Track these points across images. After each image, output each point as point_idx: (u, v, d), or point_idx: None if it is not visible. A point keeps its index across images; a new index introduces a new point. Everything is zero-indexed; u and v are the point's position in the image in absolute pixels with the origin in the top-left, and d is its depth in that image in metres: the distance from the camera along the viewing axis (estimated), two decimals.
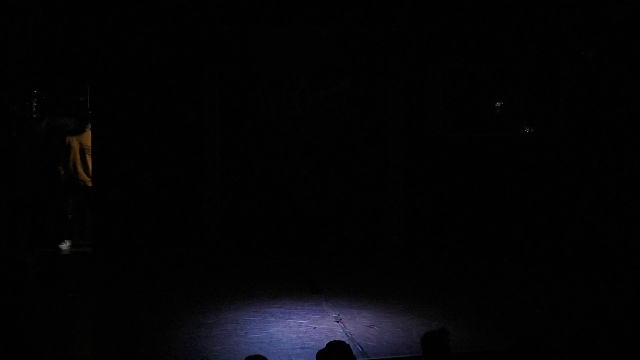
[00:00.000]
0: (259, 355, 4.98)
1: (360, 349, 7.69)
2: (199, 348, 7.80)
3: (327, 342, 5.18)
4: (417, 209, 11.98)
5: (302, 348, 7.77)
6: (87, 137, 12.02)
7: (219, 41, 11.71)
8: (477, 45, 11.80)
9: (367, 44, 11.75)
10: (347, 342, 5.26)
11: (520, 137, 11.97)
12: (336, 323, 8.64)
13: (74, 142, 12.12)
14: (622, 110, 11.42)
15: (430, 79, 11.84)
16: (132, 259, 11.34)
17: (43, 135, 12.20)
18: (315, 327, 8.47)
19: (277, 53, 11.89)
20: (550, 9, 11.04)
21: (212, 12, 11.00)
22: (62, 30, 10.97)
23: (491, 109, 11.96)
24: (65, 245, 12.28)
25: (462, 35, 11.70)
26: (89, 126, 11.97)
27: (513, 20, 11.24)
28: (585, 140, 11.84)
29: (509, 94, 11.94)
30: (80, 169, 12.09)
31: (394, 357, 7.55)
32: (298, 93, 11.92)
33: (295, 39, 11.76)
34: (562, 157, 11.90)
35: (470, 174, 11.97)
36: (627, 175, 11.26)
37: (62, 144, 12.17)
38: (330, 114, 11.95)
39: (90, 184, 11.93)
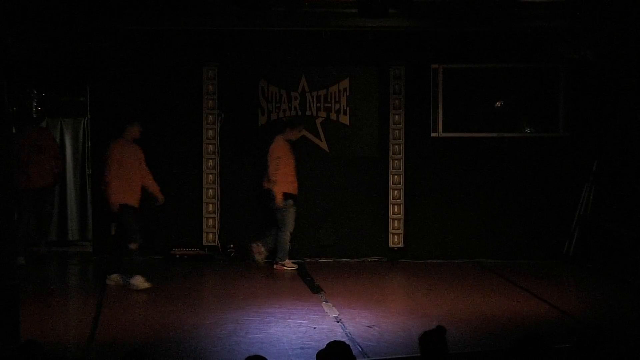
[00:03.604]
0: (259, 355, 4.97)
1: (360, 349, 7.69)
2: (199, 348, 7.81)
3: (327, 342, 5.18)
4: (417, 209, 11.96)
5: (302, 348, 7.77)
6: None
7: (219, 41, 11.71)
8: (477, 46, 11.79)
9: (367, 44, 11.73)
10: (347, 342, 5.26)
11: (520, 137, 11.95)
12: (336, 323, 8.64)
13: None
14: (623, 109, 11.41)
15: (430, 79, 11.83)
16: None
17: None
18: (315, 327, 8.47)
19: (277, 53, 11.89)
20: (550, 9, 11.04)
21: (212, 12, 10.99)
22: (62, 30, 10.97)
23: (491, 109, 11.94)
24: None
25: (462, 35, 11.69)
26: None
27: (513, 21, 11.23)
28: (585, 140, 11.83)
29: (509, 94, 11.93)
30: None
31: (394, 357, 7.55)
32: (298, 93, 11.92)
33: (295, 39, 11.76)
34: (562, 157, 11.89)
35: (470, 173, 11.96)
36: (628, 174, 11.25)
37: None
38: (330, 114, 11.94)
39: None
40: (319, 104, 11.94)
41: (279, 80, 11.89)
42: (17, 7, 9.86)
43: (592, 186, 11.72)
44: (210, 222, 11.83)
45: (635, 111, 11.07)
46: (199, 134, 11.83)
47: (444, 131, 11.86)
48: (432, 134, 11.91)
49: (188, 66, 11.78)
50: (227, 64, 11.82)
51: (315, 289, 10.19)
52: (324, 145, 11.97)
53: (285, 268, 11.25)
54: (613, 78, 11.49)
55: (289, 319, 8.83)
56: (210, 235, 11.82)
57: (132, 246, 10.11)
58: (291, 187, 11.27)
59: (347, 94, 11.94)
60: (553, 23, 11.12)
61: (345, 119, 11.96)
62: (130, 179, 10.16)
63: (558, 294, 10.05)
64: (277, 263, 11.30)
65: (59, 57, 11.72)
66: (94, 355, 7.63)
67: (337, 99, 11.95)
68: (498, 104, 11.96)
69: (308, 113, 11.94)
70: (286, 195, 11.22)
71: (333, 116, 11.95)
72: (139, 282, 9.99)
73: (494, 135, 11.89)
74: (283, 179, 11.18)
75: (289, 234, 11.28)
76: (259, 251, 11.39)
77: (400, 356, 7.52)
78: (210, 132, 11.80)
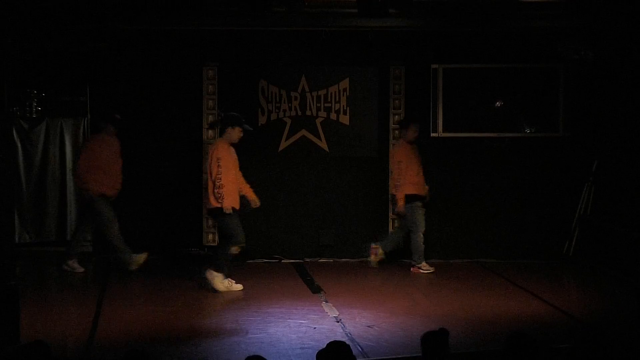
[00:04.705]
0: (259, 355, 4.97)
1: (360, 349, 7.69)
2: (199, 348, 7.81)
3: (327, 342, 5.18)
4: None
5: (302, 348, 7.77)
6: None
7: (219, 41, 11.70)
8: (477, 46, 11.79)
9: (367, 44, 11.73)
10: (347, 342, 5.26)
11: (520, 137, 11.95)
12: (336, 323, 8.64)
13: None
14: (623, 109, 11.41)
15: (430, 79, 11.82)
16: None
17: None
18: (315, 327, 8.47)
19: (277, 53, 11.88)
20: (550, 9, 11.04)
21: (212, 12, 10.99)
22: (62, 30, 10.96)
23: (491, 109, 11.94)
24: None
25: (462, 35, 11.68)
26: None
27: (513, 21, 11.23)
28: (585, 140, 11.82)
29: (509, 94, 11.92)
30: None
31: (393, 357, 7.55)
32: (298, 93, 11.92)
33: (295, 39, 11.75)
34: (562, 157, 11.89)
35: (470, 173, 11.95)
36: (628, 174, 11.25)
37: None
38: (330, 114, 11.94)
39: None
40: (319, 104, 11.94)
41: (279, 80, 11.89)
42: (17, 7, 9.86)
43: (592, 186, 11.72)
44: (211, 222, 11.81)
45: (635, 111, 11.06)
46: (199, 134, 11.82)
47: (444, 131, 11.86)
48: (432, 134, 11.91)
49: (188, 66, 11.78)
50: (227, 64, 11.82)
51: (315, 289, 10.18)
52: (324, 145, 11.97)
53: (422, 271, 11.18)
54: (613, 78, 11.49)
55: (289, 319, 8.83)
56: (210, 235, 11.81)
57: (235, 250, 10.00)
58: (414, 188, 11.19)
59: (347, 94, 11.94)
60: (553, 23, 11.12)
61: (345, 119, 11.96)
62: (236, 182, 10.12)
63: (558, 294, 10.05)
64: (413, 266, 11.25)
65: (59, 57, 11.71)
66: (94, 355, 7.63)
67: (337, 99, 11.95)
68: (498, 104, 11.95)
69: (308, 113, 11.94)
70: (410, 197, 11.16)
71: (333, 116, 11.95)
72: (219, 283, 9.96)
73: (494, 135, 11.89)
74: (406, 181, 11.16)
75: (421, 235, 11.20)
76: (376, 253, 11.38)
77: (400, 356, 7.52)
78: (210, 132, 11.80)
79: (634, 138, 11.08)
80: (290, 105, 11.90)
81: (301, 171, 11.93)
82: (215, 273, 9.94)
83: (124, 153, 11.64)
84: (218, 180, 9.88)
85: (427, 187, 11.36)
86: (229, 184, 9.92)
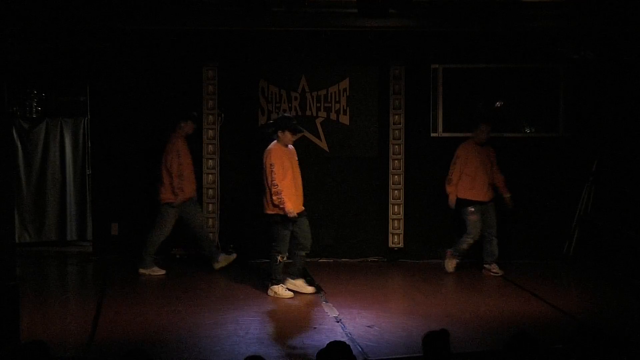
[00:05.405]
0: (259, 355, 4.98)
1: (360, 349, 7.69)
2: (199, 348, 7.81)
3: (327, 342, 5.19)
4: (417, 209, 11.96)
5: (302, 348, 7.78)
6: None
7: (219, 41, 11.70)
8: (477, 46, 11.79)
9: (367, 44, 11.73)
10: (347, 342, 5.26)
11: (520, 137, 11.95)
12: (336, 323, 8.65)
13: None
14: (623, 109, 11.41)
15: (430, 79, 11.83)
16: (132, 259, 11.32)
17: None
18: (315, 327, 8.48)
19: (277, 53, 11.88)
20: (550, 9, 11.04)
21: (212, 12, 10.99)
22: (62, 30, 10.97)
23: (491, 109, 11.94)
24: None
25: (462, 35, 11.68)
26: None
27: (513, 21, 11.23)
28: (585, 140, 11.82)
29: (509, 94, 11.93)
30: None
31: (394, 357, 7.55)
32: (298, 93, 11.92)
33: (295, 39, 11.75)
34: (562, 157, 11.89)
35: None
36: (628, 174, 11.24)
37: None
38: (330, 114, 11.95)
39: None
40: (319, 104, 11.95)
41: (279, 80, 11.89)
42: (17, 7, 9.86)
43: (592, 186, 11.72)
44: (210, 222, 11.82)
45: (635, 111, 11.07)
46: (199, 134, 11.82)
47: (444, 131, 11.86)
48: (432, 134, 11.91)
49: (188, 66, 11.78)
50: (227, 64, 11.82)
51: (316, 289, 10.18)
52: (324, 145, 11.97)
53: (446, 266, 11.08)
54: (613, 78, 11.49)
55: (288, 319, 8.83)
56: (211, 235, 11.80)
57: (280, 258, 9.80)
58: (470, 192, 10.97)
59: (347, 94, 11.95)
60: (553, 23, 11.10)
61: (345, 119, 11.96)
62: (295, 184, 9.95)
63: (558, 294, 10.05)
64: (447, 254, 11.12)
65: (59, 57, 11.72)
66: (94, 355, 7.63)
67: (337, 99, 11.96)
68: (498, 104, 11.96)
69: (308, 113, 11.94)
70: (461, 202, 11.01)
71: (333, 116, 11.95)
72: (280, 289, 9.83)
73: (494, 135, 11.89)
74: (460, 181, 10.98)
75: (470, 241, 10.98)
76: (450, 257, 11.18)
77: (400, 356, 7.53)
78: (210, 132, 11.81)
79: (634, 138, 11.08)
80: (290, 105, 11.90)
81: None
82: (274, 287, 9.81)
83: (124, 153, 11.68)
84: (274, 187, 9.69)
85: (489, 193, 11.07)
86: (286, 189, 9.77)
